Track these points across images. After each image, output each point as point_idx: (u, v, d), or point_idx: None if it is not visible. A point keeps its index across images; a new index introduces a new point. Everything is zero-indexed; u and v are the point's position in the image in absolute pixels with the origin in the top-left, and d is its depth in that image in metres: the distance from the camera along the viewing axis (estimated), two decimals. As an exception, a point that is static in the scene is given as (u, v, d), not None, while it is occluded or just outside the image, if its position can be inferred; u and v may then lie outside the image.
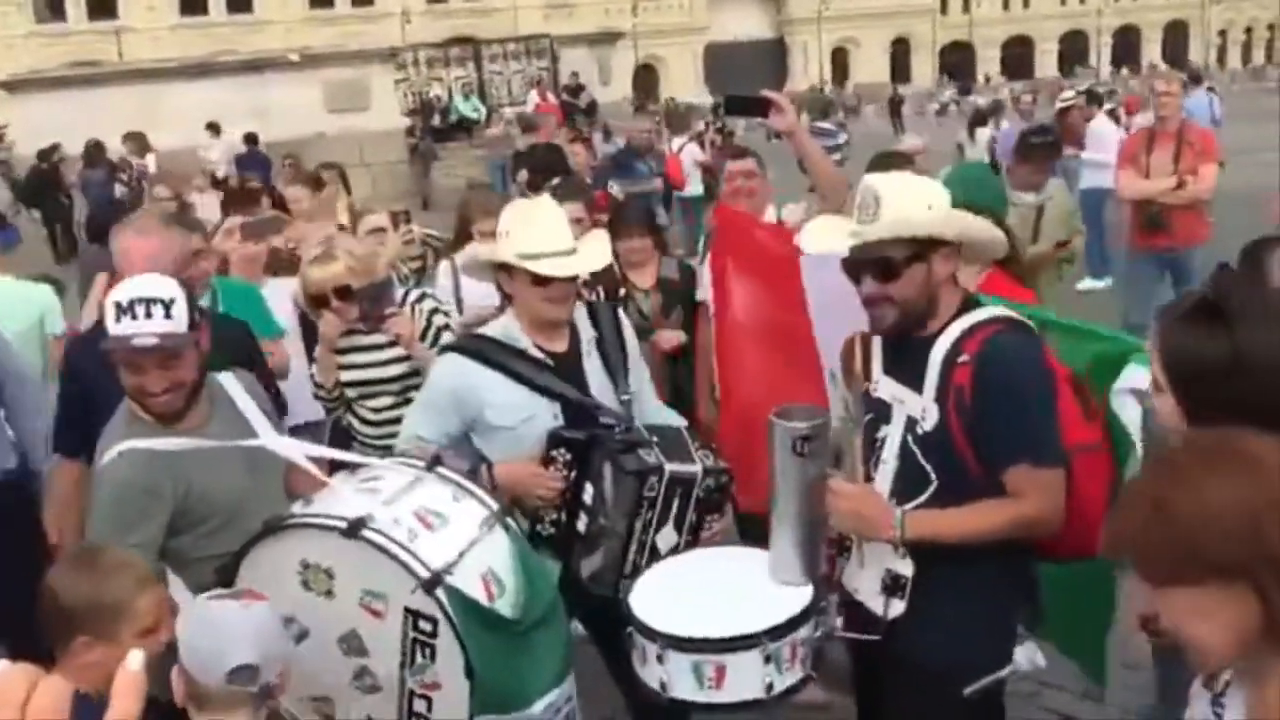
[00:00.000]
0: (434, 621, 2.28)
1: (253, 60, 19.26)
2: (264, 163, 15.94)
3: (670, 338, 4.92)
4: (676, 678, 2.32)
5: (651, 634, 2.35)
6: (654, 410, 3.38)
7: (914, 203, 2.44)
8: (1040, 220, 5.72)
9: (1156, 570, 1.41)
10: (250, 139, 16.42)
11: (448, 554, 2.33)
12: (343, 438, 4.16)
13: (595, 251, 3.27)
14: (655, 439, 3.02)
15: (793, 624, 2.33)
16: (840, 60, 71.06)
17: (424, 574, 2.25)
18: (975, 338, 2.41)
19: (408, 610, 2.29)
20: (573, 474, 2.96)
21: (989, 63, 72.37)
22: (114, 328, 2.58)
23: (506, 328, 3.09)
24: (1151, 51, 72.50)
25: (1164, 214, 6.30)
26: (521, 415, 3.00)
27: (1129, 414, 2.62)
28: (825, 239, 2.64)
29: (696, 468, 2.99)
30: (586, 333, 3.15)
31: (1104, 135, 10.81)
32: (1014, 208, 5.42)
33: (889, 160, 5.05)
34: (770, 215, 4.61)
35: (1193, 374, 1.82)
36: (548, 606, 2.51)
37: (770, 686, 2.29)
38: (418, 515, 2.39)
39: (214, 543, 2.60)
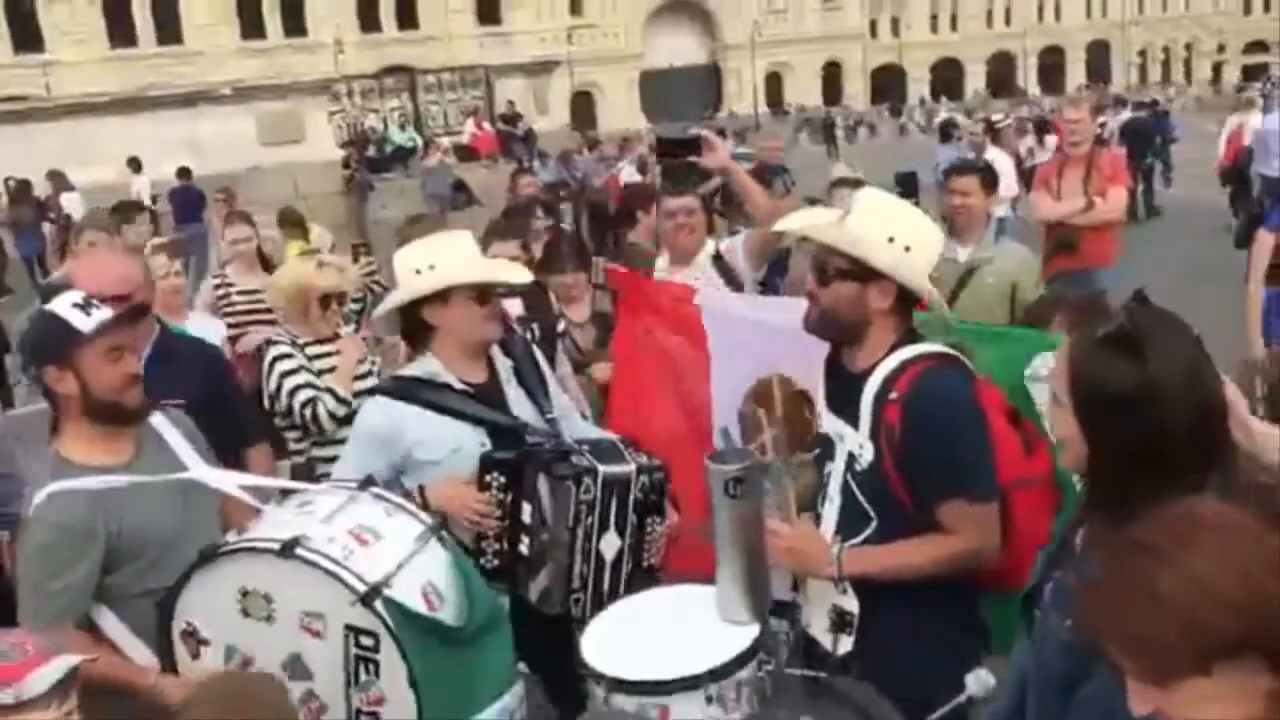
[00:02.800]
0: (374, 636, 2.31)
1: (185, 93, 19.08)
2: (197, 197, 15.82)
3: (606, 370, 5.02)
4: None
5: (598, 676, 2.37)
6: (582, 430, 3.45)
7: (875, 227, 2.46)
8: (963, 287, 4.67)
9: (1160, 667, 1.32)
10: (183, 173, 16.28)
11: (385, 567, 2.36)
12: (305, 476, 4.19)
13: (514, 270, 3.43)
14: (586, 446, 3.09)
15: (736, 664, 2.34)
16: (774, 85, 71.89)
17: (361, 588, 2.29)
18: (905, 375, 2.44)
19: (348, 627, 2.33)
20: (509, 496, 3.00)
21: (919, 84, 73.62)
22: (85, 321, 2.59)
23: (426, 365, 3.14)
24: (1076, 72, 74.19)
25: (1075, 236, 6.53)
26: (449, 447, 3.04)
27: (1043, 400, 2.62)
28: (794, 220, 2.73)
29: (630, 466, 3.04)
30: (503, 363, 3.23)
31: (1000, 165, 11.00)
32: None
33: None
34: (709, 248, 4.73)
35: (1101, 399, 1.84)
36: (490, 612, 2.55)
37: None
38: (352, 533, 2.43)
39: (150, 578, 2.61)
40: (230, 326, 5.48)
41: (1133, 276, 6.49)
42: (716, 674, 2.32)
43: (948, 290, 4.54)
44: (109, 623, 2.63)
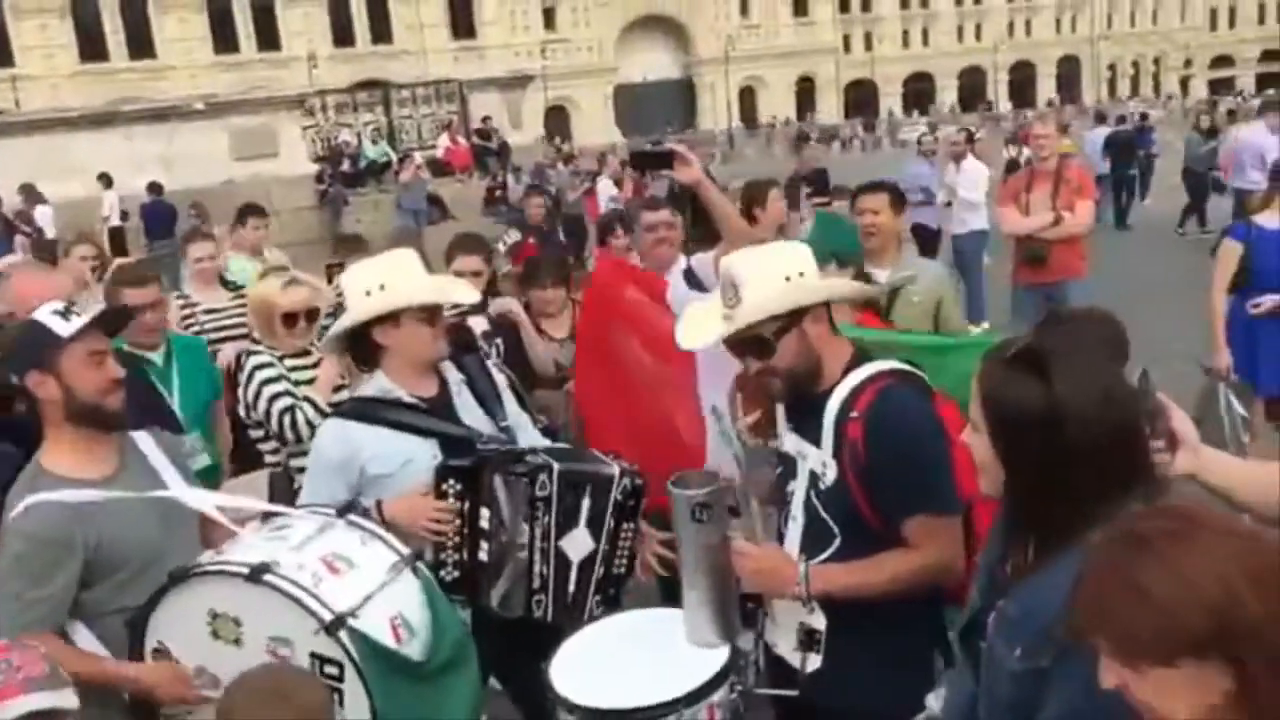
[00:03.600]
0: (339, 665, 2.33)
1: (157, 108, 18.98)
2: (169, 212, 15.76)
3: (584, 385, 5.05)
4: None
5: (570, 707, 2.38)
6: (539, 442, 3.44)
7: (771, 280, 2.50)
8: (889, 309, 4.53)
9: (1130, 651, 1.37)
10: (154, 188, 16.20)
11: (352, 598, 2.38)
12: (284, 484, 4.20)
13: (460, 287, 3.49)
14: (551, 450, 3.11)
15: (707, 688, 2.36)
16: (748, 99, 72.26)
17: (326, 616, 2.30)
18: (865, 393, 2.46)
19: (313, 655, 2.34)
20: (466, 504, 3.01)
21: (891, 99, 74.16)
22: (65, 325, 2.61)
23: (378, 383, 3.16)
24: (1046, 87, 74.94)
25: (1044, 249, 6.62)
26: (401, 460, 3.05)
27: None
28: (698, 333, 2.67)
29: (613, 469, 3.05)
30: (454, 376, 3.25)
31: (976, 175, 10.99)
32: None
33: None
34: (680, 263, 4.76)
35: (1011, 420, 1.86)
36: (456, 648, 2.55)
37: None
38: (324, 560, 2.45)
39: (126, 595, 2.61)
40: None
41: (1102, 287, 6.61)
42: (691, 698, 2.34)
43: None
44: (82, 637, 2.63)
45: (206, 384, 4.63)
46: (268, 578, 2.33)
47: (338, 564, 2.46)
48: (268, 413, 4.13)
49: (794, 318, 2.49)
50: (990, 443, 1.90)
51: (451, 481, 3.00)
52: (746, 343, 2.54)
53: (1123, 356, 3.09)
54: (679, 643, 2.56)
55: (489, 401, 3.25)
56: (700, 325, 2.67)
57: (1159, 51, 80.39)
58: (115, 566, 2.63)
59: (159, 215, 15.84)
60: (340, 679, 2.33)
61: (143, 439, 2.84)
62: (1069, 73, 78.14)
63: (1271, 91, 26.25)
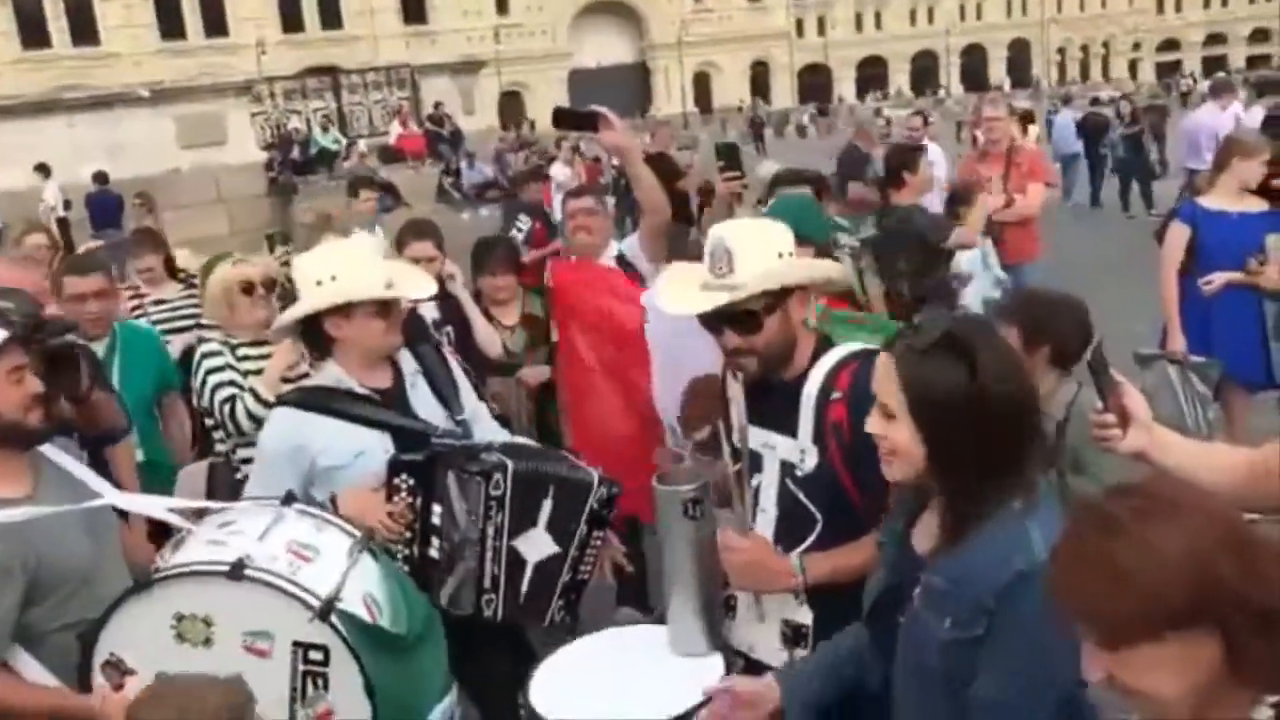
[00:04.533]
0: (324, 650, 2.31)
1: (102, 96, 18.59)
2: (115, 202, 15.47)
3: (535, 374, 4.99)
4: None
5: None
6: (497, 435, 3.39)
7: (767, 253, 2.45)
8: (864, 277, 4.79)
9: (1115, 633, 1.39)
10: (100, 178, 15.89)
11: (332, 581, 2.37)
12: (227, 474, 4.14)
13: (418, 279, 3.35)
14: (498, 445, 3.04)
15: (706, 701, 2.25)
16: (702, 84, 72.26)
17: (316, 603, 2.29)
18: (844, 373, 2.44)
19: (295, 644, 2.32)
20: (418, 499, 2.96)
21: (845, 83, 74.46)
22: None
23: (330, 373, 3.09)
24: (997, 70, 75.55)
25: (997, 232, 6.65)
26: (353, 452, 2.99)
27: None
28: (682, 299, 2.57)
29: (591, 476, 2.99)
30: (409, 366, 3.18)
31: (936, 158, 11.08)
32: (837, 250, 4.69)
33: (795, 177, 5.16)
34: (612, 249, 4.71)
35: (933, 405, 1.89)
36: (426, 620, 2.56)
37: None
38: (291, 550, 2.41)
39: (67, 611, 2.53)
40: None
41: (1058, 269, 6.61)
42: (689, 715, 2.23)
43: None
44: (24, 662, 2.51)
45: (153, 375, 4.53)
46: (249, 572, 2.30)
47: (305, 552, 2.43)
48: (211, 402, 4.06)
49: (780, 297, 2.45)
50: (912, 427, 1.92)
51: (404, 476, 2.95)
52: (733, 316, 2.46)
53: (1086, 336, 3.13)
54: (662, 656, 2.46)
55: (445, 393, 3.19)
56: (686, 293, 2.56)
57: (1107, 35, 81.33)
58: (54, 585, 2.53)
59: (104, 205, 15.52)
60: (325, 664, 2.32)
61: (51, 450, 2.72)
62: (1019, 56, 78.82)
63: (1222, 74, 26.65)
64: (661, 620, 2.56)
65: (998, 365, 1.88)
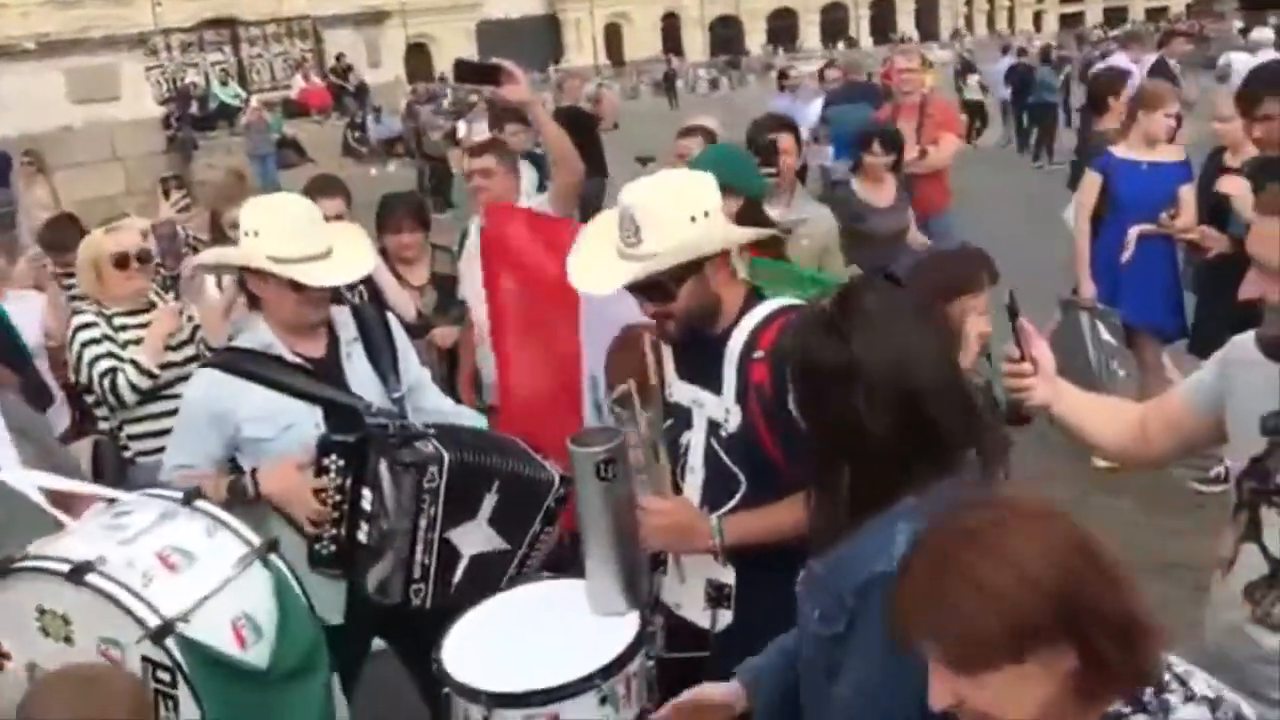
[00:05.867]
0: (171, 671, 2.14)
1: (-17, 48, 17.76)
2: (2, 160, 14.80)
3: (446, 335, 4.85)
4: None
5: (474, 694, 2.17)
6: (450, 411, 3.28)
7: (677, 220, 2.35)
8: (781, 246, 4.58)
9: (974, 654, 1.34)
10: (-15, 134, 15.20)
11: (185, 600, 2.17)
12: (113, 452, 3.94)
13: (356, 256, 3.11)
14: (433, 430, 2.88)
15: (625, 657, 2.22)
16: (613, 36, 71.60)
17: (153, 622, 2.10)
18: (768, 331, 2.39)
19: (144, 659, 2.14)
20: (348, 482, 2.81)
21: (756, 35, 74.40)
22: None
23: (259, 335, 2.94)
24: (905, 22, 76.09)
25: (909, 183, 6.64)
26: (281, 424, 2.86)
27: None
28: (594, 276, 2.51)
29: (553, 475, 2.87)
30: (347, 333, 3.03)
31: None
32: None
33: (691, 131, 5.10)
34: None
35: (813, 377, 1.83)
36: (304, 654, 2.36)
37: None
38: (159, 555, 2.23)
39: None
40: None
41: (964, 220, 6.63)
42: (608, 670, 2.18)
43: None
44: None
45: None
46: (90, 578, 2.11)
47: (174, 558, 2.24)
48: (90, 376, 3.85)
49: (696, 262, 2.36)
50: (799, 399, 1.87)
51: (334, 457, 2.79)
52: (646, 287, 2.40)
53: (979, 285, 3.07)
54: (581, 613, 2.39)
55: (383, 365, 3.03)
56: (595, 265, 2.49)
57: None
58: None
59: (-11, 164, 14.85)
60: (173, 685, 2.13)
61: None
62: (928, 8, 79.39)
63: (1131, 25, 27.23)
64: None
65: (872, 349, 1.76)
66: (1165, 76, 10.49)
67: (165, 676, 2.13)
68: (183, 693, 2.13)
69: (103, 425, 4.07)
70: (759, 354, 2.36)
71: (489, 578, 2.82)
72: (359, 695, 3.13)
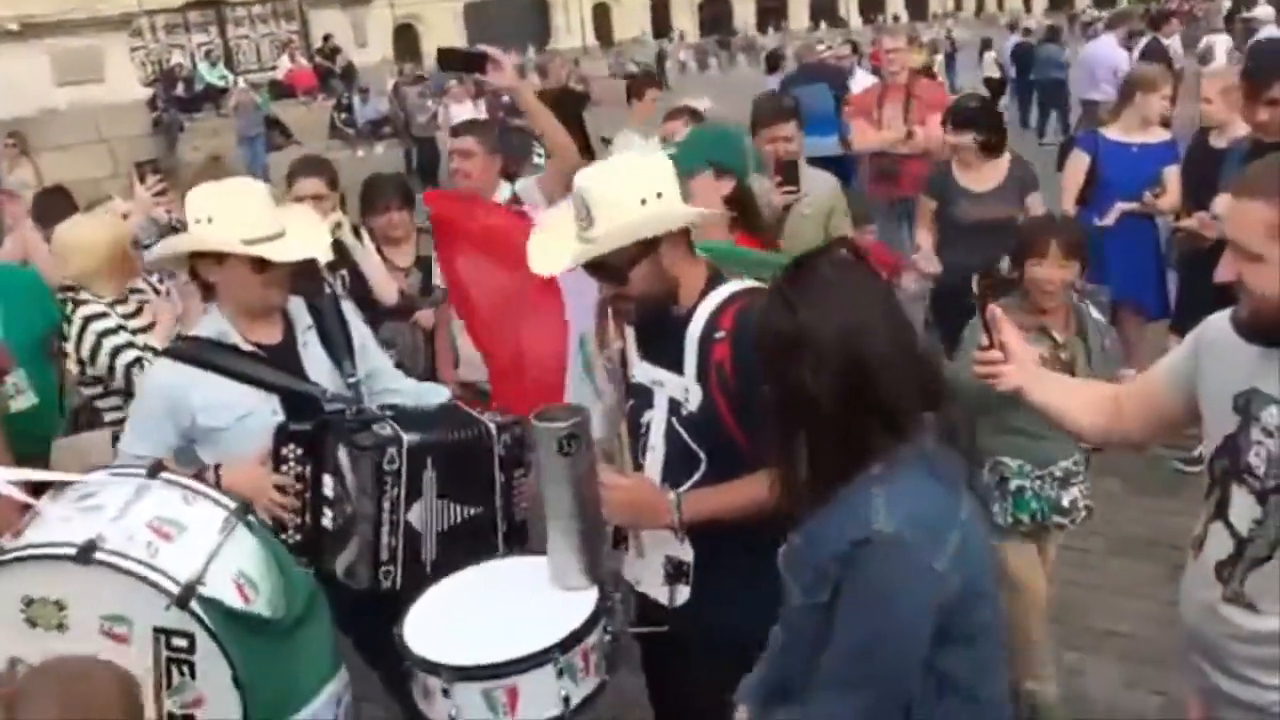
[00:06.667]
0: (189, 637, 2.15)
1: (-35, 30, 17.59)
2: (-14, 142, 14.69)
3: (427, 316, 4.85)
4: (467, 710, 2.22)
5: (432, 667, 2.23)
6: (411, 390, 3.28)
7: (626, 204, 2.37)
8: (780, 225, 4.46)
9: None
10: (-32, 117, 15.09)
11: (194, 563, 2.20)
12: None
13: (312, 234, 3.08)
14: (390, 413, 2.90)
15: (582, 631, 2.27)
16: (602, 15, 71.26)
17: (174, 589, 2.12)
18: (728, 312, 2.42)
19: (157, 630, 2.15)
20: (308, 469, 2.82)
21: (745, 15, 74.12)
22: None
23: (214, 323, 2.92)
24: (895, 2, 75.85)
25: (895, 165, 6.64)
26: (236, 413, 2.85)
27: None
28: (548, 257, 2.56)
29: (484, 425, 2.88)
30: (303, 321, 3.02)
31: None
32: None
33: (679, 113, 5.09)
34: (503, 192, 4.55)
35: (763, 347, 1.88)
36: (307, 599, 2.41)
37: (567, 700, 2.23)
38: (152, 527, 2.24)
39: None
40: None
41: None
42: (565, 644, 2.23)
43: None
44: None
45: (38, 315, 4.26)
46: (99, 555, 2.11)
47: (167, 528, 2.25)
48: (110, 367, 3.83)
49: (648, 244, 2.38)
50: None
51: (292, 446, 2.80)
52: (598, 268, 2.44)
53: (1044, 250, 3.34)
54: (542, 588, 2.45)
55: (338, 353, 3.02)
56: (551, 246, 2.55)
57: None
58: None
59: (-27, 145, 14.73)
60: (190, 651, 2.15)
61: None
62: (917, -12, 79.16)
63: (1125, 4, 27.22)
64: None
65: (820, 319, 1.79)
66: (1159, 58, 10.48)
67: (181, 643, 2.15)
68: (202, 656, 2.15)
69: (110, 417, 4.00)
70: (720, 334, 2.40)
71: (478, 545, 2.83)
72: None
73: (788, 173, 4.47)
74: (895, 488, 1.78)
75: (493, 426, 2.90)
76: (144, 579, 2.12)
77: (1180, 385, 2.21)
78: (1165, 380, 2.27)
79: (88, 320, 3.90)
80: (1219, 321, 2.14)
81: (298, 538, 2.83)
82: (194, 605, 2.13)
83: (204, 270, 2.87)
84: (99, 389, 4.00)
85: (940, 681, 1.83)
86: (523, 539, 3.00)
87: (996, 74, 20.28)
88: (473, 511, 2.89)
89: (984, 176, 5.17)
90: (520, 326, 3.79)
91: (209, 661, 2.16)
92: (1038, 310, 3.41)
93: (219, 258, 2.83)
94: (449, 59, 3.99)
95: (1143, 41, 12.46)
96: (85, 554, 2.11)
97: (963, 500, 1.86)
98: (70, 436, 4.06)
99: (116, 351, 3.84)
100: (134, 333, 3.92)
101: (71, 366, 4.00)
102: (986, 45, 22.43)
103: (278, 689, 2.26)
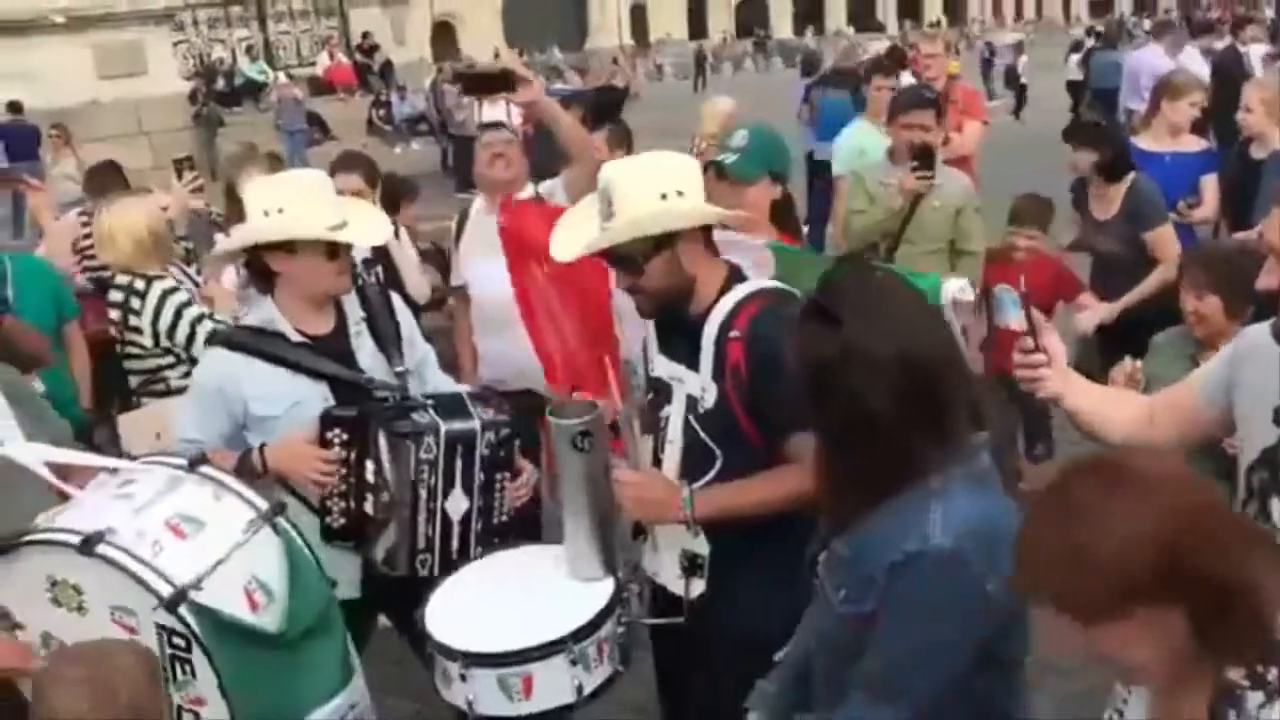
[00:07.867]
0: (185, 638, 2.19)
1: (12, 21, 17.85)
2: (32, 133, 14.91)
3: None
4: (483, 695, 2.28)
5: (451, 653, 2.30)
6: (440, 382, 3.31)
7: (646, 197, 2.42)
8: (912, 214, 4.62)
9: (1084, 613, 1.39)
10: (14, 107, 15.29)
11: (198, 566, 2.22)
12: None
13: (374, 222, 3.24)
14: (432, 402, 2.96)
15: (596, 622, 2.32)
16: (639, 15, 71.27)
17: (165, 591, 2.15)
18: (744, 312, 2.45)
19: (159, 626, 2.19)
20: (352, 454, 2.86)
21: (782, 16, 73.92)
22: None
23: (266, 314, 2.98)
24: (934, 5, 75.39)
25: (931, 170, 6.59)
26: (288, 401, 2.89)
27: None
28: (568, 243, 2.63)
29: (474, 423, 2.91)
30: (355, 313, 3.07)
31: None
32: (883, 187, 4.75)
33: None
34: (529, 190, 4.60)
35: (811, 369, 1.85)
36: (319, 613, 2.42)
37: (580, 688, 2.29)
38: (169, 524, 2.28)
39: None
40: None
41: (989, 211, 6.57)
42: (579, 634, 2.28)
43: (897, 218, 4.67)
44: None
45: (50, 306, 4.38)
46: (100, 549, 2.16)
47: (184, 526, 2.29)
48: (191, 334, 3.92)
49: (665, 239, 2.42)
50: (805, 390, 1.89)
51: (337, 431, 2.85)
52: (615, 258, 2.50)
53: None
54: (559, 578, 2.51)
55: (387, 343, 3.07)
56: (573, 234, 2.62)
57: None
58: None
59: (20, 136, 14.92)
60: (189, 650, 2.19)
61: None
62: (956, -9, 78.64)
63: (1171, 12, 26.92)
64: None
65: (868, 332, 1.78)
66: (1237, 67, 10.27)
67: (180, 642, 2.19)
68: (196, 659, 2.19)
69: (180, 384, 4.00)
70: (735, 334, 2.43)
71: (468, 537, 2.91)
72: (367, 669, 3.17)
73: (924, 158, 4.53)
74: (952, 503, 1.77)
75: (478, 425, 2.92)
76: (137, 577, 2.16)
77: (1215, 396, 2.19)
78: (1199, 391, 2.25)
79: (166, 294, 4.01)
80: (1256, 332, 2.13)
81: (343, 521, 2.89)
82: (183, 610, 2.16)
83: (273, 261, 2.91)
84: (170, 359, 4.11)
85: (976, 704, 1.83)
86: (503, 540, 3.00)
87: (1079, 76, 19.56)
88: (466, 506, 2.93)
89: (1106, 204, 4.91)
90: (579, 326, 3.89)
91: (202, 666, 2.20)
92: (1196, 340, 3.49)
93: (290, 247, 2.87)
94: (472, 85, 3.99)
95: (1218, 48, 12.17)
96: (89, 545, 2.16)
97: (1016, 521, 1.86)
98: (136, 411, 4.18)
99: (197, 321, 3.96)
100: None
101: (145, 340, 4.08)
102: (1075, 48, 21.85)
103: (274, 699, 2.28)
